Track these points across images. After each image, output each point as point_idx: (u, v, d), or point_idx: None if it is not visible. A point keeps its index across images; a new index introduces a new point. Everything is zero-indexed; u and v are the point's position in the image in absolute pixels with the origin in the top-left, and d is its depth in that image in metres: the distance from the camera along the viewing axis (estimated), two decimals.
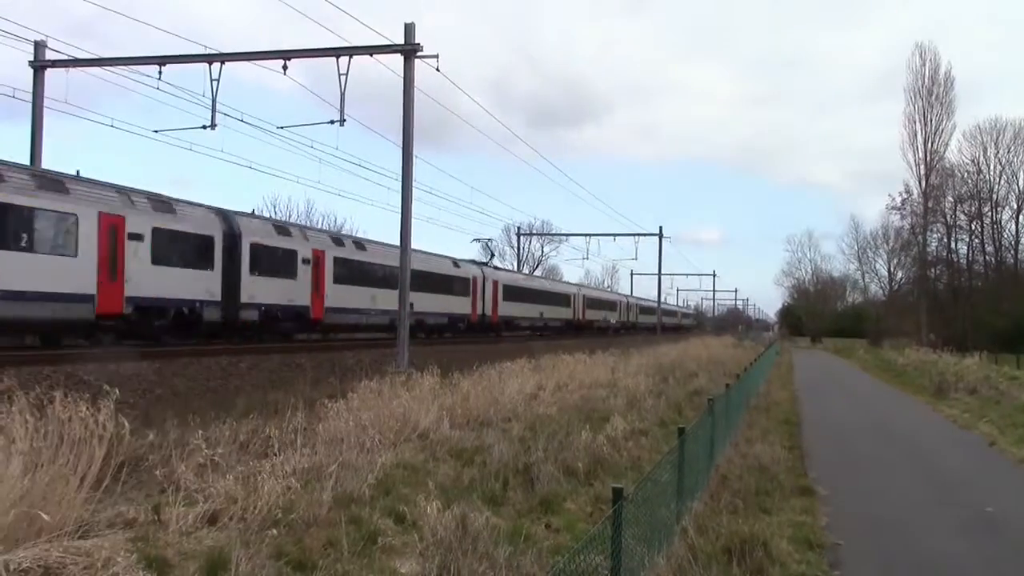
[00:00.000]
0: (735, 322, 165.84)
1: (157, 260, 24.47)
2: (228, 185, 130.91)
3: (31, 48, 25.70)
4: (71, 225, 21.62)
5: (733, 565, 7.39)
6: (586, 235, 68.48)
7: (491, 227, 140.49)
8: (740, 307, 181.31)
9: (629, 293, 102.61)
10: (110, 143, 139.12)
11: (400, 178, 23.91)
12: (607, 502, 5.41)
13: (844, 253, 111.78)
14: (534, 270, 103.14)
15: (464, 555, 6.74)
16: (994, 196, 70.80)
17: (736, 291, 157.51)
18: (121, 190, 23.79)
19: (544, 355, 28.95)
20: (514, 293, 54.91)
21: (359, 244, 37.55)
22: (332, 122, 24.23)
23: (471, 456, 11.34)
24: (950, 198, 71.69)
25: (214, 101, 24.34)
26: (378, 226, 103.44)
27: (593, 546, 4.96)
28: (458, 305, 45.14)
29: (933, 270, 74.53)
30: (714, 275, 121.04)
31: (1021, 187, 70.22)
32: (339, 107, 23.90)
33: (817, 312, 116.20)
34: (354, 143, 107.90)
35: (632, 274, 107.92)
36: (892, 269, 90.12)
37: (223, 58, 24.48)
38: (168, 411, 13.33)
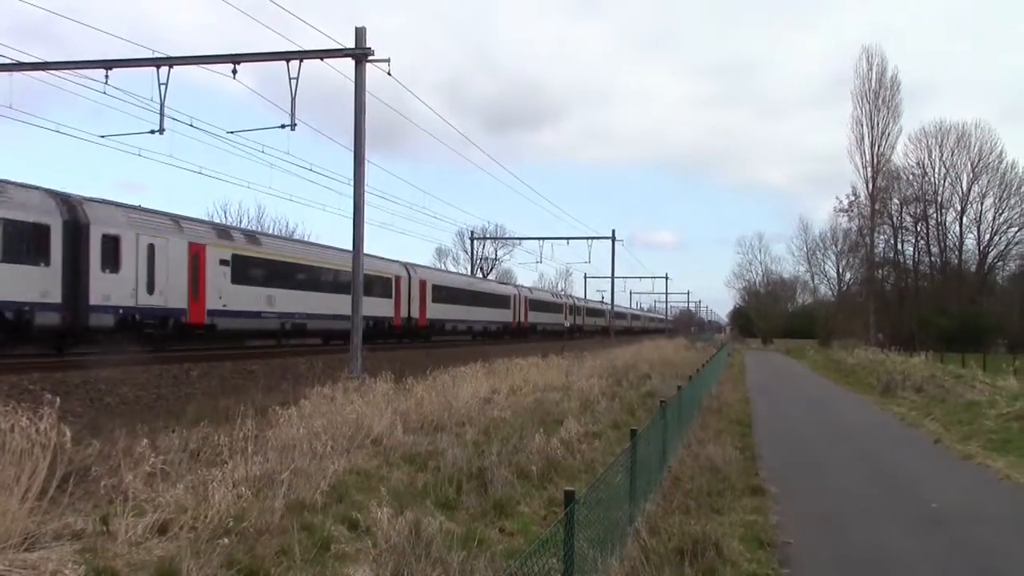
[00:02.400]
0: (688, 324, 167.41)
1: None
2: (178, 191, 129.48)
3: None
4: None
5: (685, 565, 7.45)
6: (539, 238, 68.79)
7: (445, 232, 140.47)
8: (692, 309, 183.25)
9: (583, 296, 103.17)
10: (56, 149, 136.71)
11: (352, 183, 23.79)
12: (561, 505, 5.44)
13: (794, 255, 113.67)
14: (487, 274, 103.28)
15: (417, 561, 6.73)
16: (939, 198, 72.31)
17: (688, 293, 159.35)
18: None
19: (498, 359, 28.95)
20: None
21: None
22: (283, 126, 23.99)
23: (425, 461, 11.31)
24: (896, 200, 73.07)
25: (162, 105, 23.96)
26: (331, 231, 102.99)
27: (546, 549, 4.97)
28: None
29: (880, 271, 75.81)
30: (667, 278, 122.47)
31: (965, 189, 71.84)
32: (290, 111, 23.72)
33: (768, 313, 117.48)
34: (306, 148, 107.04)
35: (586, 277, 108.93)
36: (841, 270, 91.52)
37: (171, 62, 24.16)
38: (116, 420, 13.13)
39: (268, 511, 7.87)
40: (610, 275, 74.38)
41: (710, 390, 25.70)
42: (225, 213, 70.31)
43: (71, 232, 24.35)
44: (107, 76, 23.94)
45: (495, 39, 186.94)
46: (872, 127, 69.84)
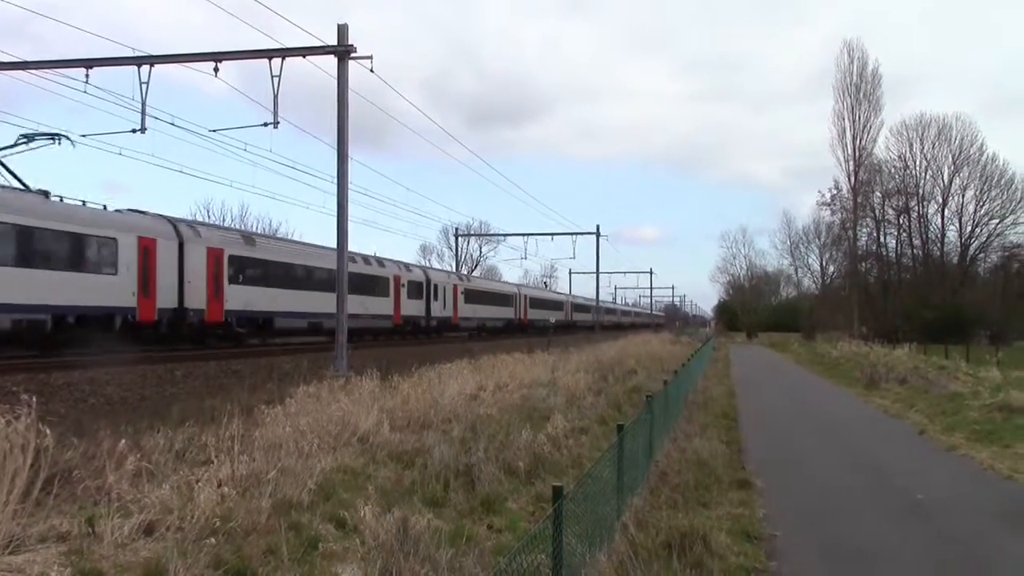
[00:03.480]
0: (673, 319, 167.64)
1: None
2: (161, 190, 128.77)
3: None
4: None
5: (673, 559, 7.45)
6: (524, 235, 68.77)
7: (429, 229, 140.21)
8: (677, 304, 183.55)
9: (569, 292, 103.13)
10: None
11: (336, 180, 23.72)
12: (549, 501, 5.43)
13: (777, 249, 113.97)
14: (472, 271, 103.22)
15: (405, 558, 6.71)
16: (920, 191, 72.50)
17: (673, 288, 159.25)
18: None
19: (484, 355, 28.97)
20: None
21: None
22: (265, 124, 23.90)
23: (412, 459, 11.29)
24: (878, 193, 73.32)
25: (144, 104, 23.84)
26: (315, 229, 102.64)
27: (534, 545, 4.96)
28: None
29: (863, 264, 76.11)
30: (651, 273, 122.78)
31: (946, 182, 72.03)
32: (272, 109, 23.62)
33: (752, 307, 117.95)
34: (289, 146, 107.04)
35: (571, 273, 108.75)
36: (824, 264, 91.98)
37: (152, 60, 24.03)
38: (101, 421, 13.04)
39: (255, 510, 7.84)
40: (595, 270, 74.53)
41: (696, 384, 25.77)
42: (208, 212, 70.02)
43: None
44: (87, 75, 23.81)
45: (480, 36, 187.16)
46: (854, 121, 70.31)
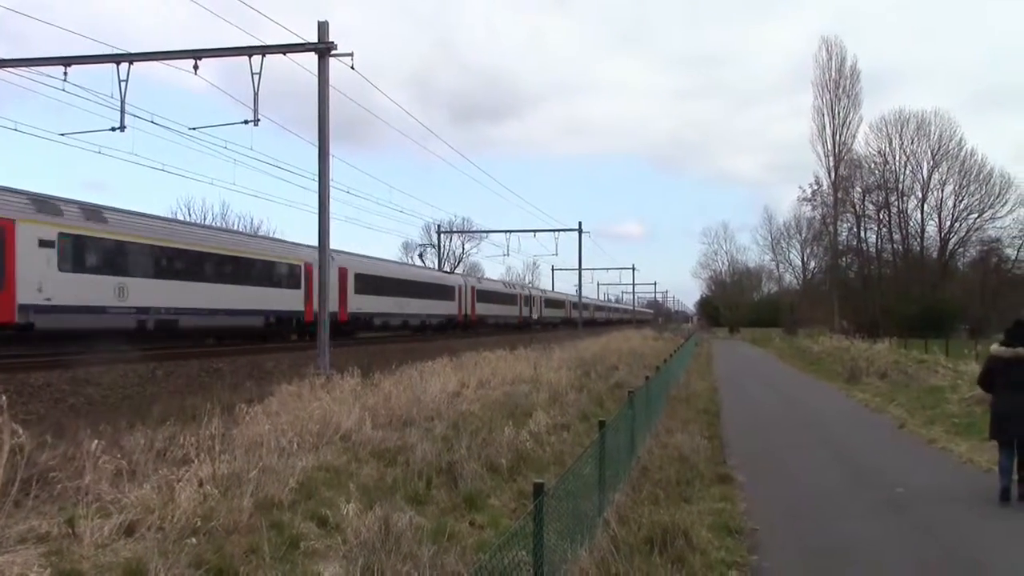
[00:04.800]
0: (656, 315, 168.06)
1: None
2: (141, 188, 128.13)
3: None
4: None
5: (655, 554, 7.50)
6: (506, 231, 68.95)
7: (412, 226, 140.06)
8: (660, 300, 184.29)
9: (551, 287, 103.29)
10: (14, 147, 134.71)
11: (317, 178, 23.66)
12: (531, 497, 5.46)
13: (759, 244, 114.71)
14: (455, 268, 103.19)
15: (388, 555, 6.72)
16: (900, 186, 72.94)
17: (655, 284, 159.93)
18: None
19: (466, 352, 29.00)
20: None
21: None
22: (246, 122, 23.80)
23: (394, 456, 11.29)
24: (859, 188, 73.70)
25: (123, 102, 23.68)
26: (297, 228, 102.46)
27: (515, 541, 4.98)
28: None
29: (844, 259, 76.64)
30: (633, 269, 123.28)
31: (925, 177, 72.52)
32: (253, 107, 23.53)
33: (734, 303, 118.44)
34: (270, 143, 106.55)
35: (553, 269, 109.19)
36: (805, 259, 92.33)
37: (131, 58, 23.87)
38: (81, 421, 12.98)
39: (236, 510, 7.83)
40: (577, 266, 74.51)
41: (678, 380, 25.87)
42: (189, 210, 69.75)
43: None
44: (66, 73, 23.60)
45: (462, 32, 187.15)
46: (833, 117, 70.79)
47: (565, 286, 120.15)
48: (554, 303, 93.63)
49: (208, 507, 7.82)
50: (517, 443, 12.27)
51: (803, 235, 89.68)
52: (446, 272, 76.83)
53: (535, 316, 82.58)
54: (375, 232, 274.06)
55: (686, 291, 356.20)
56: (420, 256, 73.18)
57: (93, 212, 27.13)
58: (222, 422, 11.19)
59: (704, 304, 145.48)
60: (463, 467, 10.45)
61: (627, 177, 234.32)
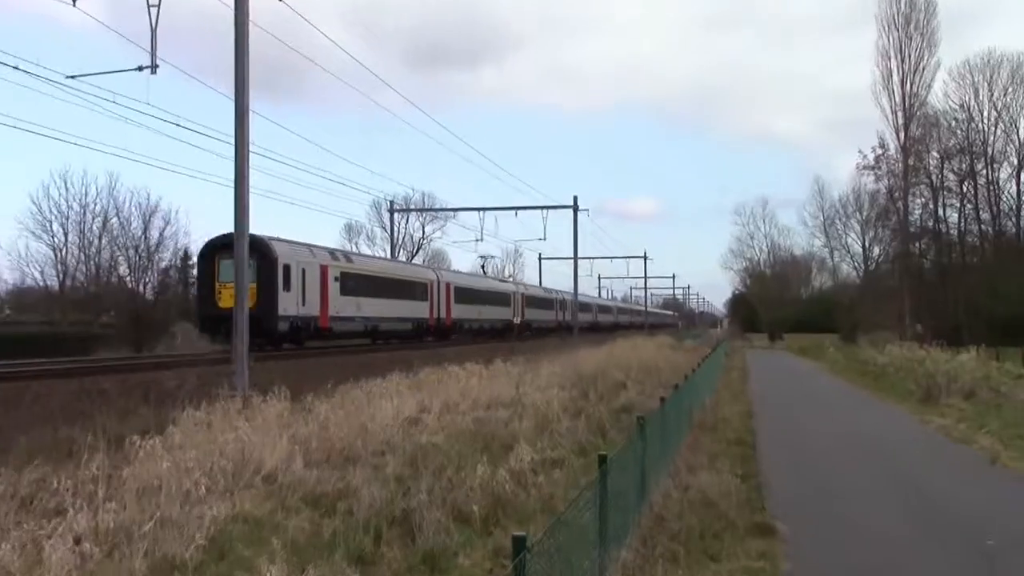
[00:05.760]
0: (675, 317, 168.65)
1: None
2: (3, 154, 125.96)
3: None
4: None
5: None
6: (479, 209, 68.79)
7: (357, 203, 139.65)
8: (679, 298, 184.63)
9: (537, 283, 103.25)
10: None
11: (233, 141, 23.50)
12: (510, 555, 5.45)
13: (807, 226, 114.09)
14: (413, 256, 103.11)
15: None
16: (989, 150, 72.99)
17: (674, 278, 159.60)
18: None
19: (426, 367, 28.97)
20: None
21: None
22: (141, 69, 23.66)
23: (333, 503, 11.29)
24: (935, 153, 73.71)
25: None
26: (209, 206, 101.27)
27: None
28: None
29: (917, 244, 76.40)
30: (645, 258, 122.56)
31: (1022, 139, 72.44)
32: (150, 49, 23.35)
33: (775, 301, 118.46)
34: (171, 97, 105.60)
35: (540, 259, 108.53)
36: (867, 244, 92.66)
37: None
38: None
39: (125, 573, 7.77)
40: (572, 255, 74.12)
41: (703, 402, 25.88)
42: (66, 183, 69.05)
43: None
44: None
45: None
46: (902, 60, 70.52)
47: (558, 280, 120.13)
48: (539, 302, 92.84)
49: (87, 572, 7.76)
50: (493, 485, 12.25)
51: (864, 214, 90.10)
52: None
53: (517, 319, 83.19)
54: (309, 212, 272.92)
55: (714, 287, 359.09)
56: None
57: (346, 256, 54.95)
58: (108, 459, 11.12)
59: (737, 303, 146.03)
60: (422, 516, 10.42)
61: (636, 140, 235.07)
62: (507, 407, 21.91)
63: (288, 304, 43.24)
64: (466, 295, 69.24)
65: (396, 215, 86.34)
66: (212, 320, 41.16)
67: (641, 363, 41.95)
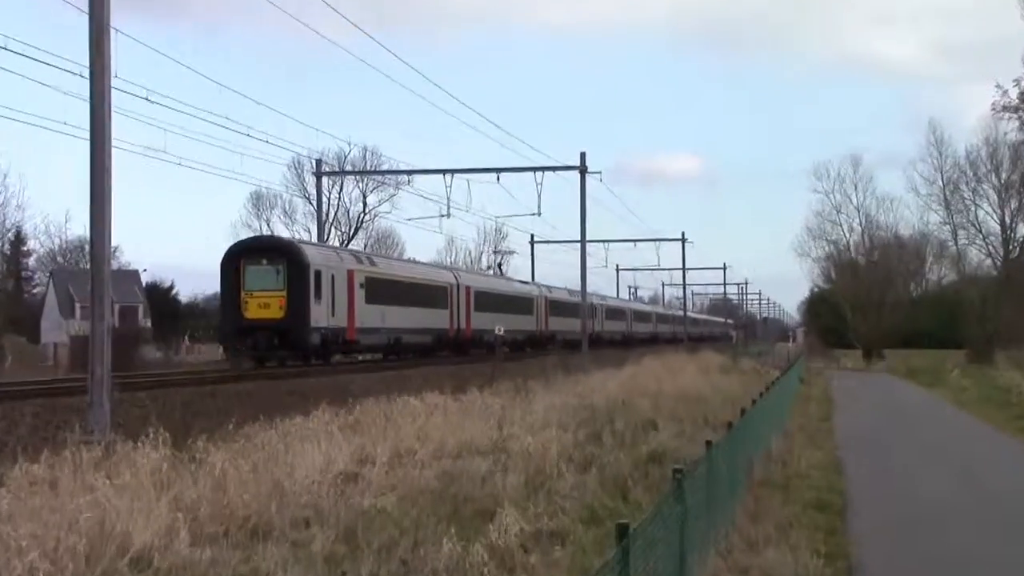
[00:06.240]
0: (727, 326, 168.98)
1: None
2: None
3: None
4: None
5: None
6: (444, 172, 68.06)
7: (270, 163, 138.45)
8: (734, 298, 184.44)
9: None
10: None
11: (88, 71, 23.46)
12: None
13: (919, 194, 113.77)
14: (350, 238, 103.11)
15: None
16: None
17: (726, 269, 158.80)
18: None
19: (367, 398, 29.03)
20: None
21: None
22: None
23: None
24: None
25: None
26: (57, 167, 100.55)
27: None
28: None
29: None
30: (684, 240, 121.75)
31: None
32: None
33: (872, 302, 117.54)
34: None
35: (533, 241, 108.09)
36: (1009, 220, 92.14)
37: None
38: None
39: None
40: (579, 236, 73.76)
41: (768, 447, 25.90)
42: None
43: None
44: None
45: None
46: None
47: (562, 274, 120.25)
48: (565, 308, 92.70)
49: None
50: (466, 568, 12.28)
51: (1003, 176, 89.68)
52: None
53: (540, 329, 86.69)
54: (205, 175, 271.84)
55: (782, 282, 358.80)
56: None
57: (369, 258, 64.52)
58: None
59: (816, 306, 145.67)
60: None
61: (669, 71, 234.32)
62: (486, 455, 21.95)
63: (319, 315, 51.04)
64: (487, 301, 75.81)
65: (326, 180, 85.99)
66: (237, 333, 49.50)
67: (679, 391, 42.02)
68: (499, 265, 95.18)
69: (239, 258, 50.30)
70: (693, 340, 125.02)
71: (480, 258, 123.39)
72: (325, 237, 78.12)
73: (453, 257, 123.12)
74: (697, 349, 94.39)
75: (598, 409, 32.28)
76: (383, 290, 60.13)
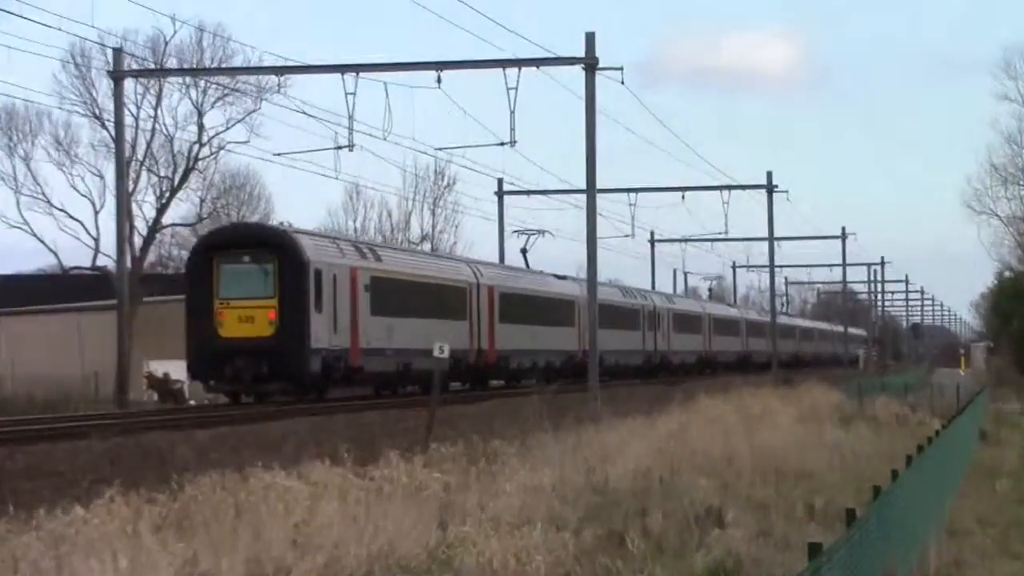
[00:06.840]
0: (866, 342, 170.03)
1: None
2: None
3: None
4: None
5: None
6: (343, 68, 67.45)
7: (22, 55, 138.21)
8: (861, 290, 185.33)
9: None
10: None
11: None
12: None
13: None
14: (172, 191, 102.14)
15: None
16: None
17: (845, 235, 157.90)
18: None
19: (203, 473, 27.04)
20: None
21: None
22: None
23: None
24: None
25: None
26: None
27: None
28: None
29: None
30: (771, 189, 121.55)
31: None
32: None
33: None
34: None
35: (501, 191, 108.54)
36: None
37: None
38: None
39: None
40: (586, 185, 73.63)
41: (924, 553, 24.60)
42: None
43: None
44: None
45: None
46: None
47: (560, 259, 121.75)
48: (618, 314, 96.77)
49: None
50: None
51: None
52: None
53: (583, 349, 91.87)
54: None
55: (945, 263, 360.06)
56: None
57: (372, 250, 76.60)
58: None
59: (1006, 303, 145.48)
60: None
61: None
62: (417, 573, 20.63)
63: (321, 331, 55.36)
64: (515, 307, 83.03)
65: (131, 84, 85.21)
66: (211, 358, 53.71)
67: (763, 456, 40.69)
68: (523, 251, 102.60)
69: (211, 254, 52.20)
70: (787, 366, 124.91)
71: (408, 221, 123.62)
72: (131, 186, 76.80)
73: (359, 221, 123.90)
74: (794, 379, 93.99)
75: (619, 491, 30.44)
76: (392, 295, 64.38)
